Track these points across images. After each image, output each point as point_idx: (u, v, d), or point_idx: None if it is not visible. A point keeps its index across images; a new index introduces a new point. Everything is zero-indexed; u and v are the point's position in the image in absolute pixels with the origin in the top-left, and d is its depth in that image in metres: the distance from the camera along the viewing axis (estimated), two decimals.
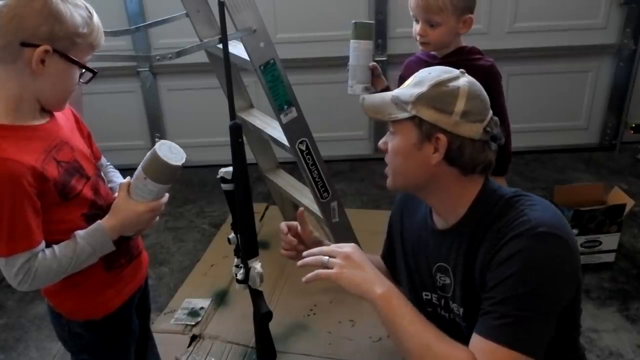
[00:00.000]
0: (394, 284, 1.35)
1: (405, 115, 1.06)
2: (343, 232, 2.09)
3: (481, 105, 1.08)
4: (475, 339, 0.98)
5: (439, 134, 1.05)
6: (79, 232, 1.14)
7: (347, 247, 1.10)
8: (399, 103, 1.08)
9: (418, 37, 1.66)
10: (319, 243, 1.31)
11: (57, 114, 1.18)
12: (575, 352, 1.16)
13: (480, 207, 1.08)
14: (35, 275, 1.08)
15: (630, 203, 2.31)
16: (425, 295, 1.20)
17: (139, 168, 1.20)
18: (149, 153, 1.18)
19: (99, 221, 1.16)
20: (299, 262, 1.14)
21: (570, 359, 1.14)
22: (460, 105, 1.05)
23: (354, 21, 1.70)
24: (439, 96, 1.05)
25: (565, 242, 0.99)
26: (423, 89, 1.06)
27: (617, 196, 2.34)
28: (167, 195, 1.25)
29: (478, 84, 1.11)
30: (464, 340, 1.12)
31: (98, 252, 1.15)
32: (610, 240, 2.28)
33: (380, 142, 1.15)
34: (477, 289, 1.05)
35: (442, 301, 1.17)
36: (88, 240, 1.13)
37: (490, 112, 1.10)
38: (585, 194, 2.37)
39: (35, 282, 1.09)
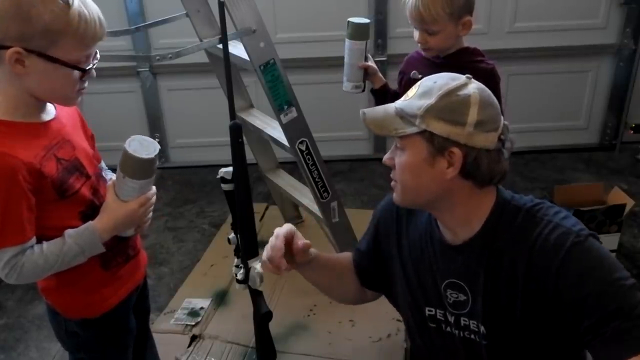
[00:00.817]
0: (359, 286, 1.31)
1: (413, 129, 0.99)
2: (343, 232, 2.09)
3: (494, 112, 1.01)
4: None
5: (452, 147, 0.98)
6: (69, 231, 1.14)
7: None
8: (405, 117, 1.01)
9: (419, 45, 1.66)
10: (306, 254, 1.19)
11: (61, 113, 1.18)
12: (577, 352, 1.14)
13: (498, 220, 1.04)
14: (21, 270, 1.08)
15: (630, 203, 2.31)
16: (429, 310, 1.15)
17: (117, 168, 1.19)
18: (122, 152, 1.17)
19: (90, 222, 1.16)
20: None
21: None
22: (473, 115, 0.97)
23: (348, 19, 1.70)
24: (449, 107, 0.98)
25: (597, 236, 1.01)
26: (431, 100, 0.98)
27: (617, 196, 2.34)
28: (154, 188, 1.25)
29: (487, 89, 1.04)
30: (478, 358, 1.09)
31: (87, 252, 1.15)
32: (610, 240, 2.27)
33: (386, 158, 1.08)
34: (516, 307, 1.01)
35: (452, 318, 1.11)
36: (76, 239, 1.13)
37: (502, 117, 1.04)
38: (585, 194, 2.37)
39: (22, 276, 1.09)
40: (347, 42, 1.72)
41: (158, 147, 1.20)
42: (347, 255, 1.37)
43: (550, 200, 2.34)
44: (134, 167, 1.17)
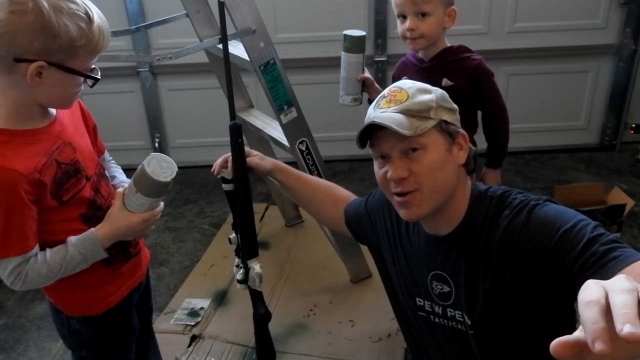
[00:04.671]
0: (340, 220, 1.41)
1: (432, 123, 1.02)
2: None
3: None
4: (628, 269, 0.83)
5: (459, 131, 1.07)
6: (71, 239, 1.14)
7: None
8: (416, 115, 1.02)
9: (408, 33, 1.65)
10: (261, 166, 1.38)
11: (61, 112, 1.18)
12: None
13: (476, 211, 1.08)
14: (26, 278, 1.10)
15: (630, 203, 2.31)
16: (419, 301, 1.19)
17: (131, 180, 1.20)
18: (139, 167, 1.17)
19: (91, 229, 1.17)
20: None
21: None
22: (453, 103, 1.09)
23: (344, 32, 1.69)
24: (444, 97, 1.07)
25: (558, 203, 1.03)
26: (433, 93, 1.06)
27: (617, 196, 2.34)
28: (162, 204, 1.26)
29: None
30: (467, 347, 1.10)
31: (89, 259, 1.16)
32: None
33: (400, 171, 1.02)
34: (497, 294, 1.03)
35: (439, 309, 1.14)
36: (78, 248, 1.14)
37: None
38: (585, 194, 2.37)
39: (27, 284, 1.11)
40: (345, 55, 1.71)
41: (176, 169, 1.20)
42: (336, 190, 1.48)
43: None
44: (149, 187, 1.17)
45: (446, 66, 1.69)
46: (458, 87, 1.64)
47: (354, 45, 1.69)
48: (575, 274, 0.90)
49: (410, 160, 1.03)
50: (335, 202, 1.45)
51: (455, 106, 1.09)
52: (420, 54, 1.75)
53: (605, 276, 0.83)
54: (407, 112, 1.02)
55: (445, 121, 1.04)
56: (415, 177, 1.03)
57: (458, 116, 1.10)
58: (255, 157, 1.39)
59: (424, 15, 1.61)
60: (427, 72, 1.69)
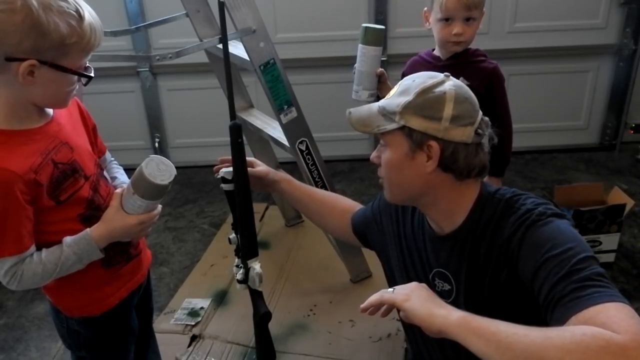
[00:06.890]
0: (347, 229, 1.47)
1: (393, 125, 1.05)
2: None
3: (470, 108, 1.06)
4: (582, 315, 0.83)
5: (430, 141, 1.04)
6: (66, 239, 1.14)
7: (412, 284, 1.02)
8: (386, 114, 1.07)
9: (454, 38, 1.64)
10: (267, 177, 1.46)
11: (59, 112, 1.17)
12: None
13: (481, 212, 1.08)
14: (21, 277, 1.10)
15: (630, 203, 2.30)
16: None
17: (129, 182, 1.20)
18: (137, 169, 1.17)
19: (87, 229, 1.16)
20: (362, 306, 1.06)
21: None
22: (448, 111, 1.03)
23: (364, 25, 1.67)
24: (425, 104, 1.04)
25: (565, 217, 1.02)
26: (409, 97, 1.04)
27: (617, 196, 2.34)
28: (159, 207, 1.25)
29: (465, 86, 1.09)
30: (462, 349, 1.11)
31: (84, 260, 1.16)
32: (610, 240, 2.28)
33: (373, 156, 1.15)
34: (496, 297, 1.03)
35: None
36: (74, 248, 1.14)
37: (480, 113, 1.08)
38: (585, 194, 2.37)
39: (22, 284, 1.11)
40: (364, 48, 1.67)
41: (174, 172, 1.19)
42: (342, 201, 1.51)
43: (550, 200, 2.34)
44: (146, 189, 1.17)
45: (464, 66, 1.68)
46: (474, 87, 1.64)
47: (374, 37, 1.66)
48: (543, 304, 0.92)
49: (381, 151, 1.13)
50: (342, 212, 1.47)
51: (442, 115, 1.03)
52: (436, 52, 1.75)
53: (564, 314, 0.85)
54: (382, 109, 1.09)
55: (409, 128, 1.04)
56: (380, 167, 1.13)
57: (441, 125, 1.03)
58: (262, 167, 1.43)
59: (468, 19, 1.63)
60: (445, 69, 1.69)
